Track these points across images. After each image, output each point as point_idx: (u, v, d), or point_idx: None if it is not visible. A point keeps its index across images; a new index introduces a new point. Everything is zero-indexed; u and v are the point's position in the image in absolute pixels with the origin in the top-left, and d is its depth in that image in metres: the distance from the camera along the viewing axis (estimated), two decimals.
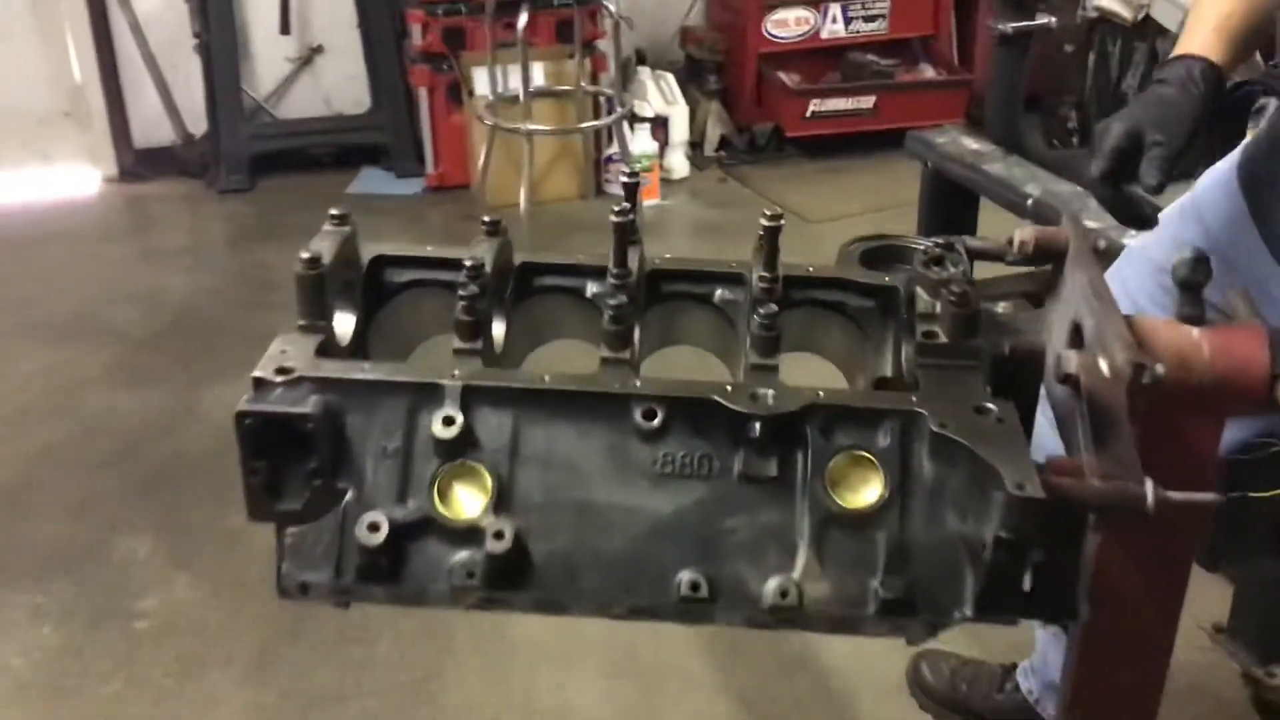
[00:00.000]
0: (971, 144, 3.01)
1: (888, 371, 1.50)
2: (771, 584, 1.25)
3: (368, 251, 1.53)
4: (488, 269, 1.37)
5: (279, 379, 1.27)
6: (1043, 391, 1.46)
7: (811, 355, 1.58)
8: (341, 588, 1.28)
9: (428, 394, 1.28)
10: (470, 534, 1.26)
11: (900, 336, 1.47)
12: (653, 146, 5.99)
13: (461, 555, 1.26)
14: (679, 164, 6.28)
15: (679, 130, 6.27)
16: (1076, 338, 1.41)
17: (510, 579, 1.26)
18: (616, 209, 1.31)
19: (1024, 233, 1.50)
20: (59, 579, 3.10)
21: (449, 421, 1.26)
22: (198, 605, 3.00)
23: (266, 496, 1.27)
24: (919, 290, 1.38)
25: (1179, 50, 1.77)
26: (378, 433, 1.28)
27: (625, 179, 1.47)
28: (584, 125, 5.78)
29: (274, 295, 4.66)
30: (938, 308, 1.35)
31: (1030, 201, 2.86)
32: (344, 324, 1.45)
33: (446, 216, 5.69)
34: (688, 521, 1.26)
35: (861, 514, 1.25)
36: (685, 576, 1.26)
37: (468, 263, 1.34)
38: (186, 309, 4.60)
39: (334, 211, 1.45)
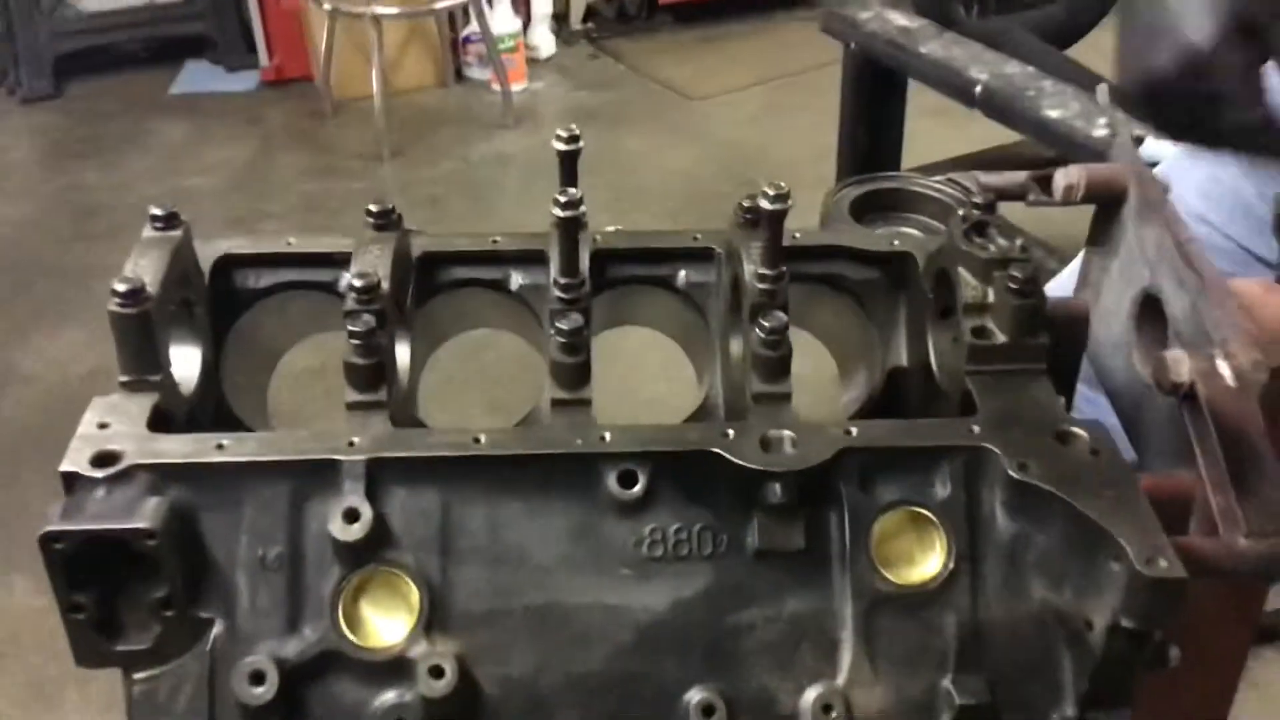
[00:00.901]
0: (899, 19, 2.66)
1: (903, 360, 1.18)
2: (810, 696, 0.94)
3: (209, 251, 1.11)
4: (384, 283, 0.98)
5: (100, 472, 0.88)
6: (1085, 369, 1.17)
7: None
8: None
9: (318, 475, 0.91)
10: (396, 667, 0.91)
11: (919, 316, 1.14)
12: (515, 24, 5.45)
13: (387, 698, 0.91)
14: (544, 41, 5.75)
15: (541, 2, 5.73)
16: (1151, 316, 1.11)
17: None
18: (562, 197, 0.93)
19: (1071, 173, 1.18)
20: None
21: (352, 516, 0.89)
22: (43, 613, 2.57)
23: (98, 638, 0.90)
24: (963, 273, 1.04)
25: None
26: (251, 537, 0.91)
27: (561, 144, 1.07)
28: (437, 5, 5.20)
29: (96, 223, 4.07)
30: (990, 295, 1.03)
31: (979, 89, 2.53)
32: (185, 364, 1.05)
33: (290, 115, 5.09)
34: (691, 620, 0.94)
35: (921, 591, 0.94)
36: (695, 697, 0.94)
37: (357, 283, 0.95)
38: (2, 246, 3.98)
39: (155, 211, 1.03)
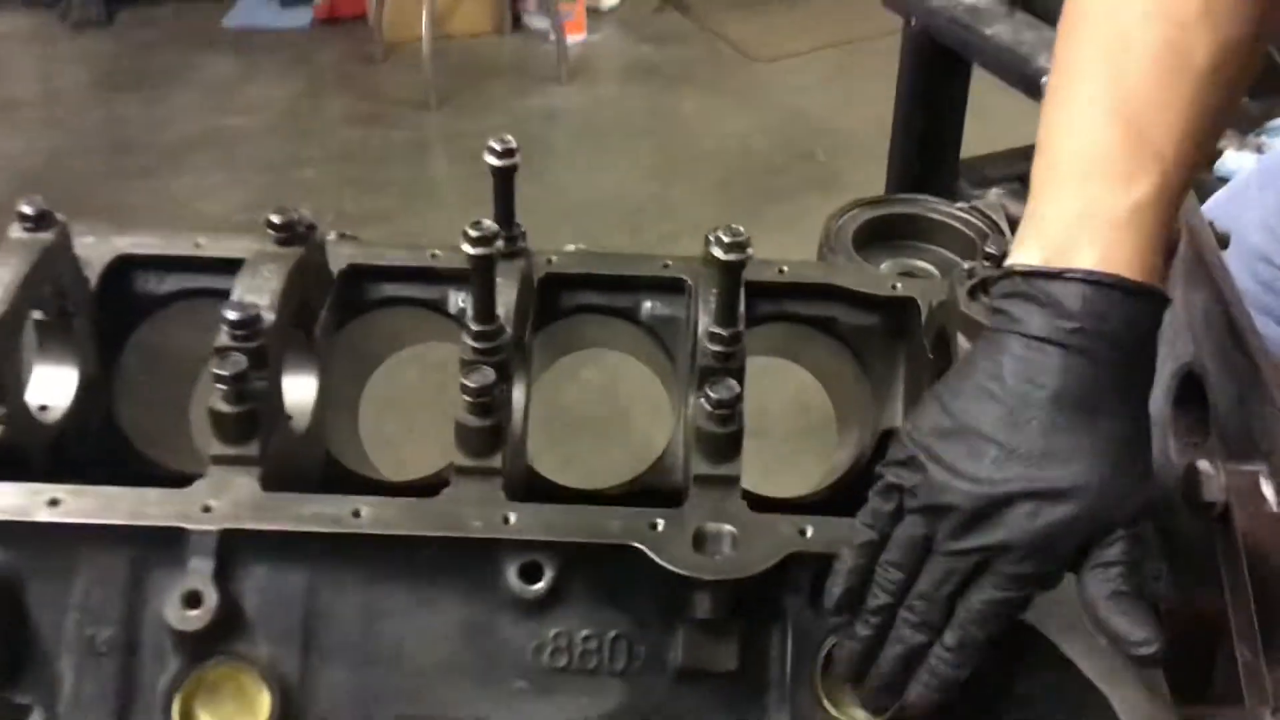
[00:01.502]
0: None
1: (897, 421, 1.02)
2: None
3: (103, 250, 0.97)
4: (268, 315, 0.82)
5: None
6: None
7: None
8: None
9: (164, 545, 0.77)
10: None
11: (918, 373, 0.97)
12: None
13: None
14: None
15: None
16: (1193, 397, 0.93)
17: None
18: (473, 230, 0.77)
19: None
20: None
21: (193, 600, 0.75)
22: None
23: None
24: (961, 339, 0.87)
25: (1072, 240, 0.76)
26: (82, 613, 0.77)
27: (494, 159, 0.90)
28: None
29: (130, 161, 3.97)
30: None
31: (1045, 80, 2.28)
32: (55, 386, 0.91)
33: (340, 55, 4.94)
34: None
35: None
36: None
37: (230, 315, 0.80)
38: (26, 180, 3.90)
39: (25, 209, 0.89)
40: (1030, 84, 2.34)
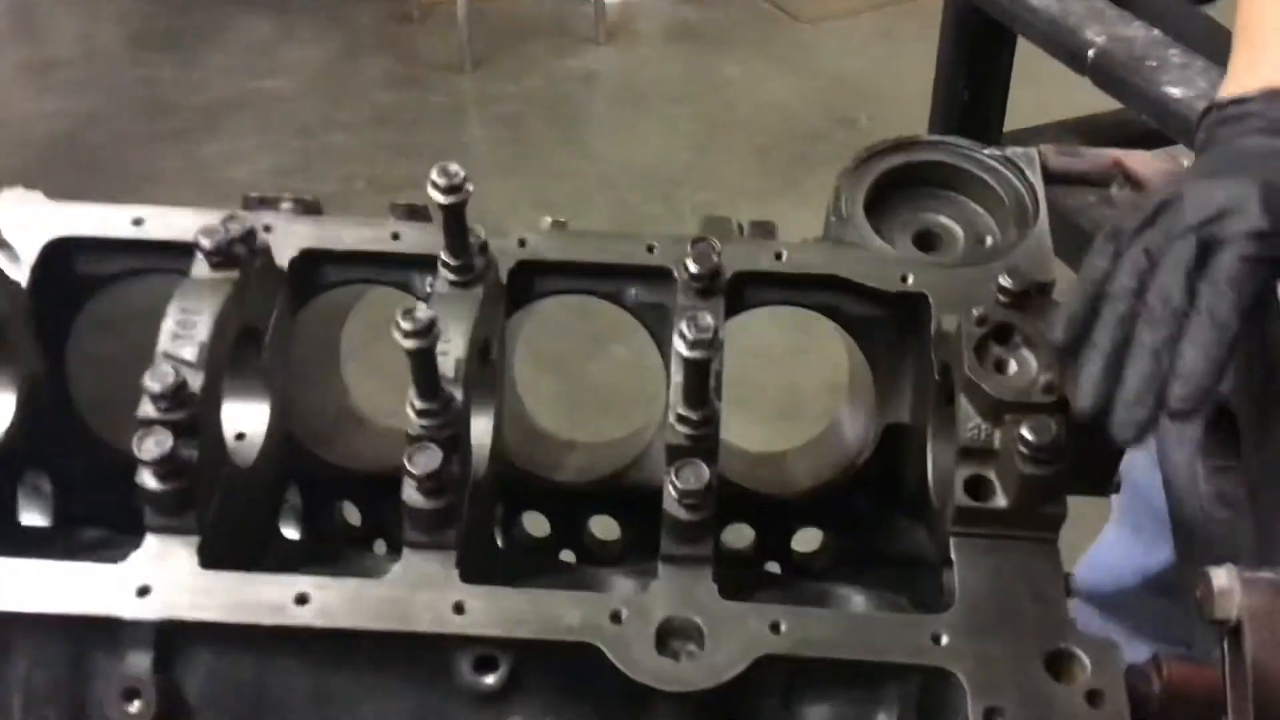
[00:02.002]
0: None
1: (905, 417, 0.95)
2: None
3: (37, 232, 0.91)
4: (196, 377, 0.77)
5: None
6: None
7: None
8: None
9: (99, 632, 0.74)
10: None
11: (925, 379, 0.90)
12: None
13: None
14: None
15: None
16: (1227, 433, 0.86)
17: None
18: (405, 324, 0.71)
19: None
20: None
21: (131, 694, 0.72)
22: None
23: None
24: (965, 404, 0.80)
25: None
26: (25, 696, 0.75)
27: (438, 194, 0.80)
28: None
29: (163, 123, 3.95)
30: (997, 440, 0.79)
31: (1092, 53, 2.17)
32: None
33: (376, 15, 4.87)
34: None
35: None
36: None
37: (153, 386, 0.75)
38: (61, 141, 3.90)
39: None
40: (1077, 58, 2.23)
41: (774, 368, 2.74)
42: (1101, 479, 0.95)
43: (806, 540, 1.05)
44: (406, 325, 0.71)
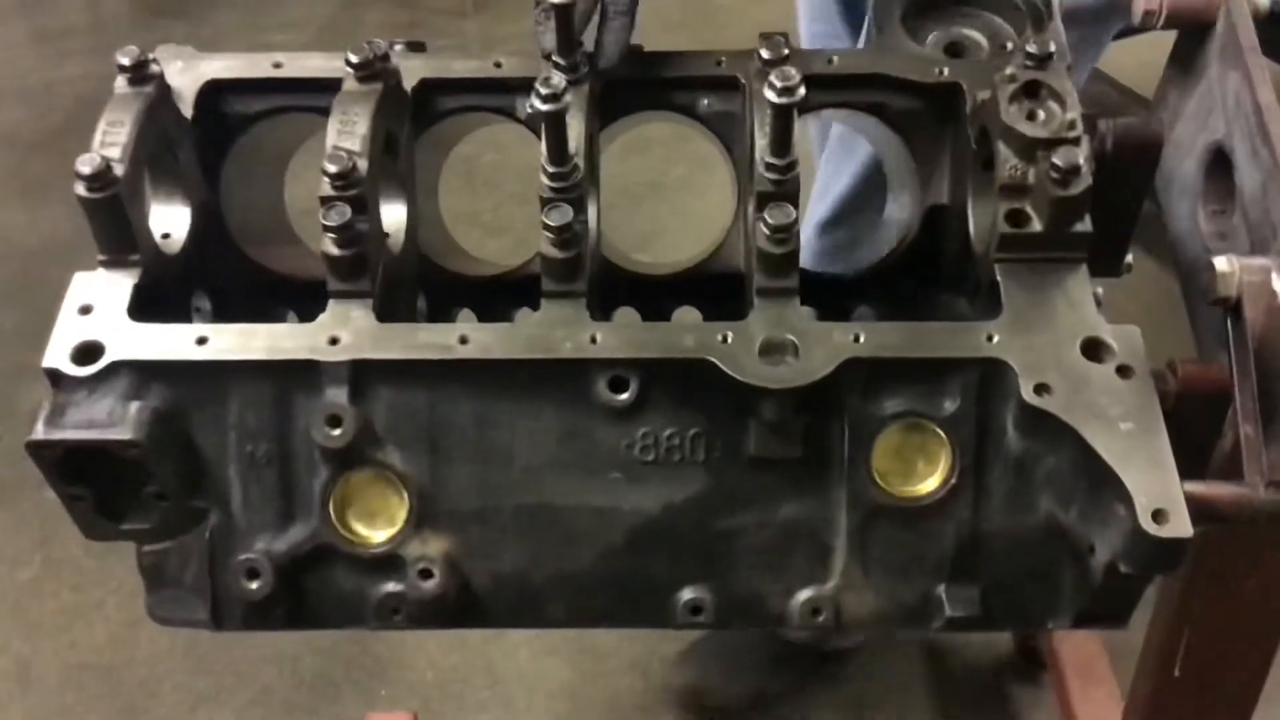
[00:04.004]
0: None
1: (944, 198, 1.10)
2: (800, 599, 0.93)
3: (192, 77, 1.05)
4: (362, 162, 0.93)
5: (82, 370, 0.88)
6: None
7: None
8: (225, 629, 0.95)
9: (301, 374, 0.90)
10: (388, 561, 0.92)
11: (962, 158, 1.05)
12: None
13: (381, 590, 0.93)
14: None
15: None
16: (1221, 171, 1.01)
17: (449, 615, 0.93)
18: (543, 88, 0.87)
19: None
20: None
21: (335, 421, 0.88)
22: None
23: (102, 521, 0.92)
24: (1002, 149, 0.94)
25: None
26: (239, 433, 0.91)
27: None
28: None
29: None
30: (1031, 176, 0.94)
31: None
32: (172, 219, 1.02)
33: None
34: (682, 523, 0.92)
35: (921, 504, 0.91)
36: (685, 596, 0.93)
37: (330, 167, 0.90)
38: (84, 104, 4.02)
39: (123, 60, 0.99)
40: None
41: None
42: (1113, 261, 1.11)
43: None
44: (544, 90, 0.86)
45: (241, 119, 1.08)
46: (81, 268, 0.95)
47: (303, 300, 1.10)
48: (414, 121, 1.07)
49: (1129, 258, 1.13)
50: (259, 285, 1.12)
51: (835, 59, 1.06)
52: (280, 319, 1.14)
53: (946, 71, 1.05)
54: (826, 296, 1.15)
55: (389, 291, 0.96)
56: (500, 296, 1.15)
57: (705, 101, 1.08)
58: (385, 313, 0.94)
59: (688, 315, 1.16)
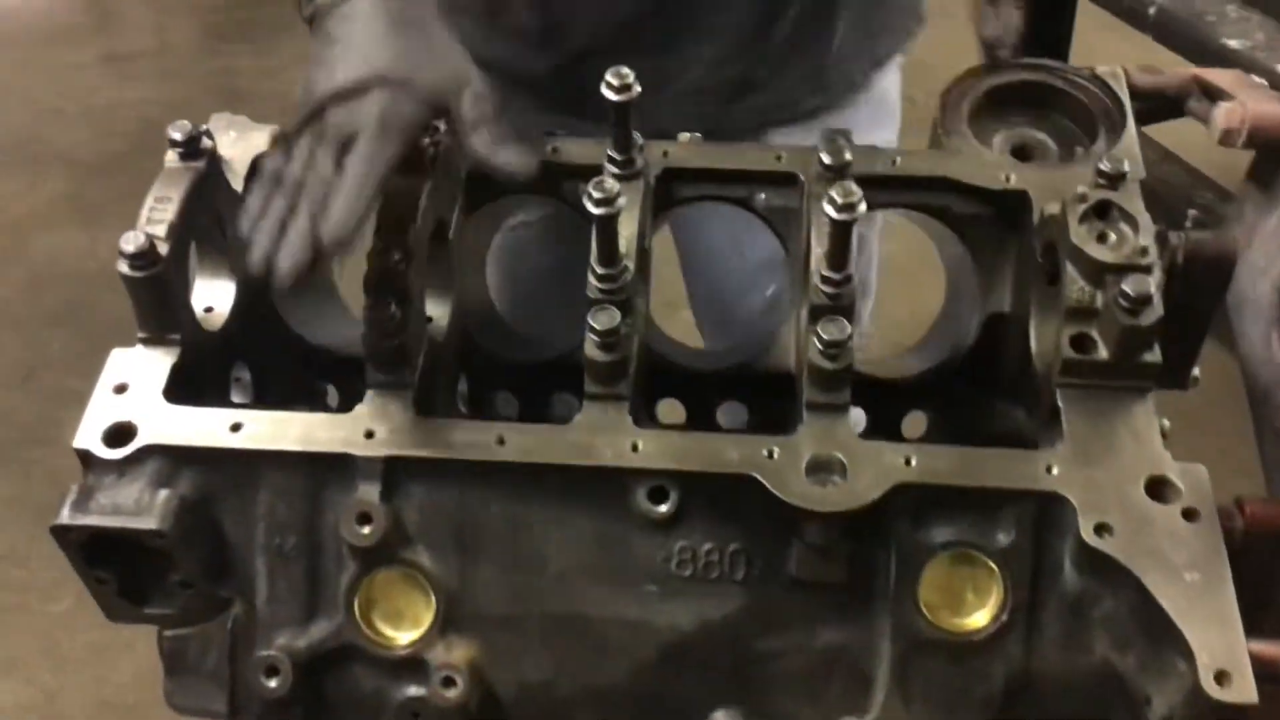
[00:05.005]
0: None
1: (1005, 306, 1.06)
2: None
3: (244, 148, 1.05)
4: (409, 253, 0.91)
5: (113, 453, 0.87)
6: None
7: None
8: None
9: (334, 468, 0.88)
10: (411, 665, 0.89)
11: (1026, 269, 1.01)
12: None
13: (402, 693, 0.90)
14: None
15: None
16: None
17: None
18: (596, 192, 0.84)
19: (1233, 114, 1.02)
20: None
21: (365, 519, 0.86)
22: None
23: (125, 604, 0.90)
24: (1070, 270, 0.91)
25: None
26: (268, 524, 0.89)
27: (611, 93, 0.92)
28: None
29: (246, 108, 4.09)
30: (1099, 301, 0.90)
31: (1153, 10, 2.26)
32: (216, 293, 1.01)
33: None
34: (718, 642, 0.89)
35: (970, 639, 0.87)
36: (717, 718, 0.89)
37: (376, 263, 0.89)
38: (146, 128, 4.09)
39: (175, 135, 0.98)
40: (1138, 15, 2.32)
41: None
42: (1179, 374, 1.07)
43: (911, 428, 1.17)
44: (596, 194, 0.83)
45: None
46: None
47: (344, 373, 1.09)
48: (466, 203, 1.06)
49: (1196, 371, 1.09)
50: (300, 357, 1.10)
51: (898, 159, 1.03)
52: (320, 391, 1.13)
53: (1013, 178, 1.02)
54: (879, 398, 1.12)
55: (429, 378, 0.94)
56: (542, 381, 1.13)
57: (763, 196, 1.05)
58: (424, 400, 0.91)
59: (734, 411, 1.14)
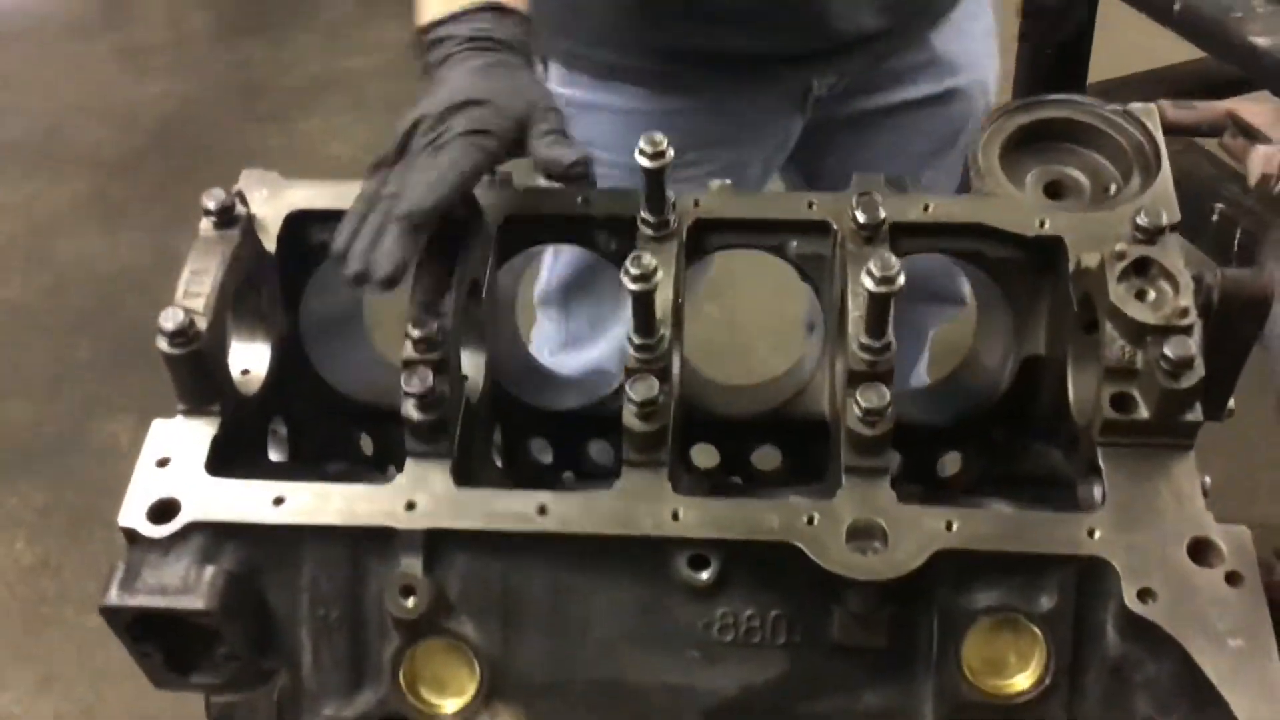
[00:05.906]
0: None
1: (1040, 349, 1.06)
2: None
3: (275, 207, 1.04)
4: (446, 324, 0.91)
5: (158, 530, 0.87)
6: None
7: None
8: None
9: (377, 539, 0.88)
10: None
11: (1062, 315, 1.01)
12: None
13: None
14: None
15: None
16: None
17: None
18: (634, 267, 0.84)
19: (1269, 159, 1.01)
20: (30, 476, 2.81)
21: (408, 591, 0.86)
22: None
23: (171, 675, 0.91)
24: (1109, 326, 0.90)
25: None
26: (312, 596, 0.90)
27: (645, 160, 0.94)
28: None
29: (259, 104, 4.12)
30: (1139, 360, 0.90)
31: (1178, 6, 2.23)
32: (252, 355, 1.02)
33: None
34: (760, 706, 0.90)
35: (1013, 702, 0.87)
36: None
37: (414, 333, 0.89)
38: (165, 124, 4.09)
39: (209, 204, 0.98)
40: (1162, 10, 2.28)
41: None
42: (1216, 407, 1.06)
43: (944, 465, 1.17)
44: (634, 270, 0.83)
45: (324, 248, 1.07)
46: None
47: (380, 423, 1.10)
48: (498, 253, 1.06)
49: (1231, 403, 1.08)
50: (335, 409, 1.11)
51: (931, 205, 1.03)
52: (355, 441, 1.14)
53: (1048, 224, 1.01)
54: (915, 443, 1.12)
55: (467, 439, 0.95)
56: (577, 429, 1.13)
57: (795, 244, 1.04)
58: (463, 464, 0.92)
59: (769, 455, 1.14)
